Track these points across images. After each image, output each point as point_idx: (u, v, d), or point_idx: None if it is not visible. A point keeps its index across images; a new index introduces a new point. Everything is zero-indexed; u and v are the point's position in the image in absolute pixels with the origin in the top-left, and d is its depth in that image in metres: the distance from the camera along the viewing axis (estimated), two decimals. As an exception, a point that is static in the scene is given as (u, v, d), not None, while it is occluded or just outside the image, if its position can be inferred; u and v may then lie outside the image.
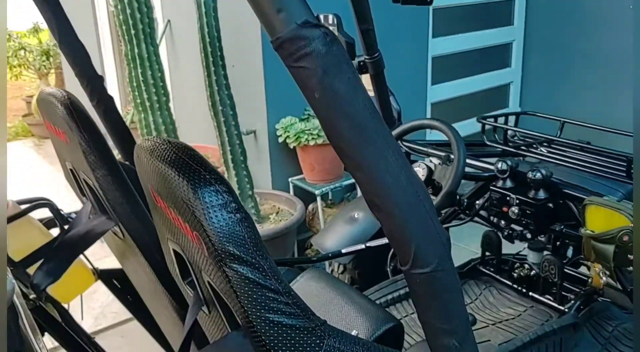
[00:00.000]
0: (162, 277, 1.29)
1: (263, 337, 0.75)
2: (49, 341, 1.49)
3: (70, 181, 1.51)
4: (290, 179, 3.45)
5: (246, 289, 0.74)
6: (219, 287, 0.81)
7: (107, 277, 1.84)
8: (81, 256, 1.73)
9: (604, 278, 1.64)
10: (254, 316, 0.75)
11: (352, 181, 3.45)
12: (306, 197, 3.37)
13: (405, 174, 0.66)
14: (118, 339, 2.85)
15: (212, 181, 0.74)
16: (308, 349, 0.76)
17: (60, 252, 1.38)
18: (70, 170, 1.43)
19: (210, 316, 1.02)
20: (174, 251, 1.00)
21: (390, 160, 0.65)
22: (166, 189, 0.81)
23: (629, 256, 1.61)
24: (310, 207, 3.42)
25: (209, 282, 0.87)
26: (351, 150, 0.64)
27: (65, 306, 1.72)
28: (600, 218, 1.65)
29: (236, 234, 0.73)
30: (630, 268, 1.75)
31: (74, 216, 1.58)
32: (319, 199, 3.31)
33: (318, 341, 0.76)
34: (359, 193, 3.31)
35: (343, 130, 0.64)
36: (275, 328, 0.75)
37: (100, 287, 1.90)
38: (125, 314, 2.85)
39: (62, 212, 1.61)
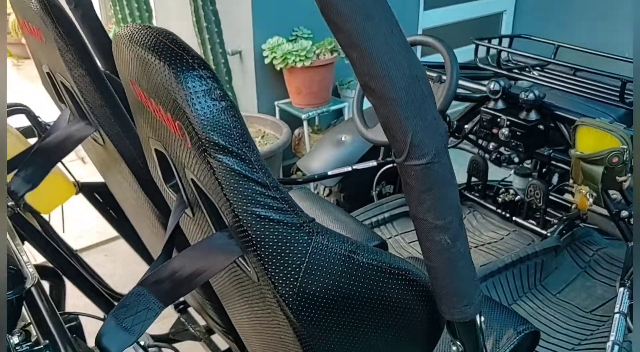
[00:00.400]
0: (144, 185, 1.25)
1: (250, 233, 0.72)
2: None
3: (48, 87, 1.44)
4: (276, 103, 3.38)
5: (232, 181, 0.70)
6: (203, 182, 0.78)
7: (88, 190, 1.81)
8: (62, 168, 1.69)
9: (590, 200, 1.64)
10: (240, 210, 0.71)
11: (340, 106, 3.39)
12: (292, 121, 3.31)
13: (406, 55, 0.61)
14: (101, 257, 2.85)
15: (195, 66, 0.69)
16: (296, 245, 0.73)
17: (38, 159, 1.33)
18: (47, 73, 1.36)
19: (194, 219, 1.00)
20: (156, 150, 0.96)
21: (390, 40, 0.60)
22: (146, 77, 0.76)
23: (617, 178, 1.61)
24: (297, 132, 3.37)
25: (192, 180, 0.83)
26: (346, 25, 0.59)
27: (46, 217, 1.68)
28: (591, 140, 1.63)
29: (221, 123, 0.69)
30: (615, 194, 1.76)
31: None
32: (305, 123, 3.25)
33: (306, 237, 0.74)
34: (347, 119, 3.27)
35: (338, 2, 0.58)
36: (263, 223, 0.72)
37: (83, 206, 1.87)
38: (109, 233, 2.85)
39: (40, 120, 1.55)
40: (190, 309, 1.92)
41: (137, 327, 0.87)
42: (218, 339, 1.79)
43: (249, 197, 0.71)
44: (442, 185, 0.68)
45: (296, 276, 0.74)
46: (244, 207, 0.71)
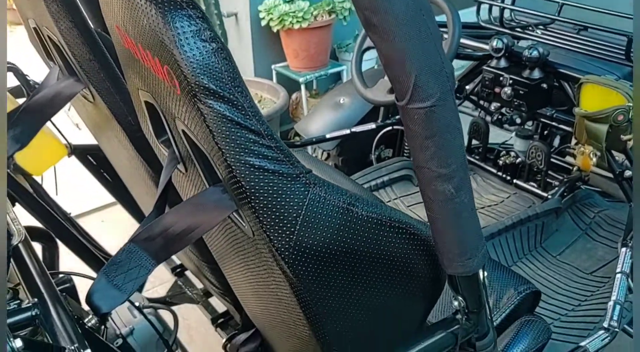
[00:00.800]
0: (136, 142, 1.21)
1: (243, 184, 0.69)
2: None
3: (35, 43, 1.39)
4: (273, 66, 3.31)
5: (223, 129, 0.66)
6: (194, 132, 0.74)
7: (81, 153, 1.77)
8: (53, 129, 1.65)
9: (594, 159, 1.60)
10: (232, 160, 0.68)
11: (339, 69, 3.32)
12: (290, 85, 3.25)
13: (408, -13, 0.57)
14: (98, 223, 2.82)
15: (183, 5, 0.65)
16: (292, 196, 0.70)
17: (27, 117, 1.29)
18: (34, 29, 1.31)
19: (187, 175, 0.96)
20: (146, 103, 0.92)
21: (391, -30, 0.56)
22: (133, 20, 0.72)
23: (621, 136, 1.57)
24: (294, 96, 3.32)
25: (183, 132, 0.80)
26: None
27: (39, 181, 1.65)
28: (596, 97, 1.59)
29: (211, 66, 0.64)
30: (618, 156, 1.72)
31: (42, 83, 1.47)
32: (303, 87, 3.20)
33: (303, 189, 0.70)
34: (345, 81, 3.20)
35: None
36: (257, 173, 0.68)
37: (80, 172, 1.84)
38: (106, 199, 2.82)
39: (28, 79, 1.50)
40: (188, 272, 1.90)
41: (129, 285, 0.85)
42: (215, 301, 1.77)
43: (242, 146, 0.67)
44: (446, 130, 0.64)
45: (292, 229, 0.71)
46: (237, 157, 0.67)
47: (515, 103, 1.82)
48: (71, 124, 3.52)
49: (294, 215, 0.70)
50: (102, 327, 0.88)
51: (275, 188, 0.69)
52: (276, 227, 0.71)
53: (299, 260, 0.73)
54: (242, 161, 0.68)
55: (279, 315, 1.01)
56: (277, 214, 0.70)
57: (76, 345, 0.71)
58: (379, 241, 0.75)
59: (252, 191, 0.69)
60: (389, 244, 0.76)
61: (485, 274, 0.80)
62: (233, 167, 0.68)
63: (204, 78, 0.64)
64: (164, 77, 0.71)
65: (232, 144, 0.67)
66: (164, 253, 0.86)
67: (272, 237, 0.72)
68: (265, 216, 0.70)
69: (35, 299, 0.83)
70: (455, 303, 0.79)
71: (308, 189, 0.71)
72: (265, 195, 0.69)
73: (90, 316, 0.86)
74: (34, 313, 0.80)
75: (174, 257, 1.94)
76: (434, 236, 0.74)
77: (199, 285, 1.84)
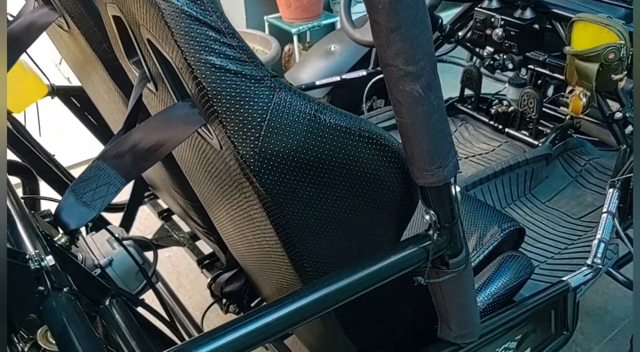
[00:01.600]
0: (113, 73, 1.19)
1: (204, 85, 0.67)
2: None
3: (9, -27, 1.35)
4: (265, 17, 3.25)
5: (182, 25, 0.64)
6: (156, 35, 0.71)
7: (64, 94, 1.74)
8: (34, 66, 1.62)
9: (584, 99, 1.58)
10: (192, 58, 0.65)
11: (332, 20, 3.26)
12: (282, 37, 3.20)
13: None
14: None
15: None
16: (256, 100, 0.68)
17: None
18: (6, -44, 1.26)
19: (157, 94, 0.94)
20: (114, 18, 0.89)
21: None
22: None
23: (612, 75, 1.54)
24: (287, 48, 3.27)
25: (149, 41, 0.77)
26: None
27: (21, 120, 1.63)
28: (588, 36, 1.55)
29: (168, -43, 0.62)
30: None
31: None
32: (295, 39, 3.15)
33: (267, 92, 0.68)
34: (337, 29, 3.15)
35: None
36: (218, 74, 0.66)
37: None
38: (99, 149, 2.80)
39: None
40: (174, 217, 1.89)
41: (98, 202, 0.83)
42: (201, 244, 1.77)
43: (202, 44, 0.65)
44: (412, 23, 0.61)
45: (257, 135, 0.69)
46: (197, 56, 0.65)
47: (507, 44, 1.79)
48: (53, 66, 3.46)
49: (259, 120, 0.68)
50: (72, 246, 0.86)
51: (238, 90, 0.67)
52: (240, 133, 0.69)
53: (265, 168, 0.71)
54: (203, 61, 0.65)
55: (257, 243, 1.01)
56: (241, 118, 0.68)
57: (37, 251, 0.69)
58: (348, 150, 0.74)
59: (214, 93, 0.67)
60: (358, 155, 0.75)
61: (458, 189, 0.79)
62: (193, 67, 0.66)
63: (160, -30, 0.62)
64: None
65: (192, 42, 0.65)
66: (133, 170, 0.84)
67: (236, 144, 0.70)
68: (228, 120, 0.68)
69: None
70: (427, 217, 0.77)
71: (273, 93, 0.68)
72: (228, 97, 0.67)
73: (60, 234, 0.85)
74: (-1, 228, 0.79)
75: (160, 201, 1.94)
76: (404, 145, 0.72)
77: (186, 229, 1.84)
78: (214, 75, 0.66)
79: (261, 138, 0.69)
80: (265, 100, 0.68)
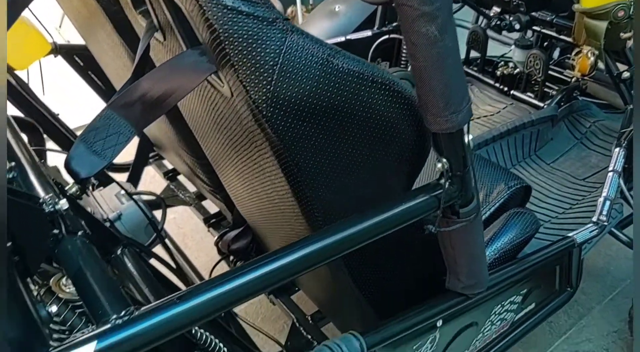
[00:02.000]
0: (118, 25, 1.18)
1: (217, 27, 0.66)
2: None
3: None
4: (268, -21, 3.20)
5: (194, -35, 0.63)
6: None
7: (68, 53, 1.73)
8: (37, 24, 1.60)
9: (592, 58, 1.56)
10: (204, 1, 0.65)
11: (335, -17, 3.21)
12: (285, -1, 3.15)
13: None
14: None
15: None
16: (268, 42, 0.67)
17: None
18: None
19: (165, 44, 0.93)
20: (121, -36, 0.87)
21: None
22: None
23: (621, 34, 1.52)
24: (289, 10, 3.22)
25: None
26: None
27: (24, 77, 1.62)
28: (597, -7, 1.53)
29: None
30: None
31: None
32: (298, 1, 3.10)
33: (280, 35, 0.67)
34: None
35: None
36: (230, 15, 0.65)
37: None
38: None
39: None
40: (180, 177, 1.90)
41: (109, 151, 0.83)
42: (208, 204, 1.78)
43: (214, -16, 0.64)
44: (427, -39, 0.60)
45: (269, 79, 0.68)
46: (209, -4, 0.64)
47: (514, 3, 1.76)
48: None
49: (271, 63, 0.68)
50: (82, 195, 0.86)
51: (250, 33, 0.66)
52: (252, 77, 0.69)
53: (278, 113, 0.71)
54: (215, 2, 0.64)
55: (266, 195, 1.01)
56: (253, 61, 0.67)
57: (51, 194, 0.70)
58: (360, 96, 0.73)
59: (226, 35, 0.66)
60: (370, 101, 0.74)
61: (471, 137, 0.79)
62: (205, 8, 0.65)
63: None
64: None
65: (203, -17, 0.64)
66: (143, 120, 0.84)
67: (249, 88, 0.69)
68: (240, 63, 0.68)
69: (13, 163, 0.82)
70: (439, 165, 0.77)
71: (285, 36, 0.68)
72: (240, 40, 0.66)
73: (71, 184, 0.85)
74: (11, 176, 0.79)
75: (165, 162, 1.94)
76: (418, 89, 0.71)
77: (192, 188, 1.84)
78: (226, 16, 0.65)
79: (273, 82, 0.69)
80: (278, 43, 0.67)
